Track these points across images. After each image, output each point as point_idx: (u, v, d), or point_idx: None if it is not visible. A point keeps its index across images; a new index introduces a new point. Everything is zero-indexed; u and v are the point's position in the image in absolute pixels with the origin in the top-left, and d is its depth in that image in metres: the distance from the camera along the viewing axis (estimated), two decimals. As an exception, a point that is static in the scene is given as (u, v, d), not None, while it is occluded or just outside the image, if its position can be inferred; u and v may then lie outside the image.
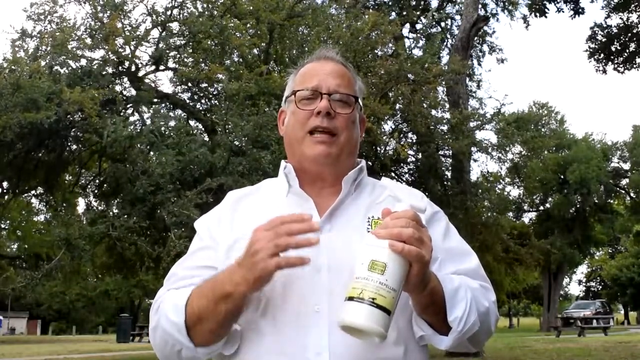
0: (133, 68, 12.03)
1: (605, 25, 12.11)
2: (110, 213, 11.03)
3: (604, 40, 12.19)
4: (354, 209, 1.34)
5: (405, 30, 17.83)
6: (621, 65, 12.08)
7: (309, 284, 1.23)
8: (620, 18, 12.03)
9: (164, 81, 29.60)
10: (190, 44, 11.88)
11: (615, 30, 12.02)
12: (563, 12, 11.88)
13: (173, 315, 1.23)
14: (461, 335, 1.20)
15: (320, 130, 1.33)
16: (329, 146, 1.33)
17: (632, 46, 12.20)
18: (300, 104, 1.37)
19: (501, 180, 18.24)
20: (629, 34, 12.04)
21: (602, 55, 12.23)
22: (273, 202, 1.38)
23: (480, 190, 16.13)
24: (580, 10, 11.68)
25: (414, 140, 15.06)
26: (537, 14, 11.98)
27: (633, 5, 11.71)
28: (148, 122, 11.55)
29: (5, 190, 13.74)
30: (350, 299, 1.07)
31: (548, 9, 11.96)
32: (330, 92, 1.35)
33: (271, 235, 1.14)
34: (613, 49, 12.13)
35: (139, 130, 11.31)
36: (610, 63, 12.20)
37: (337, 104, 1.36)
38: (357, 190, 1.38)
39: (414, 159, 15.68)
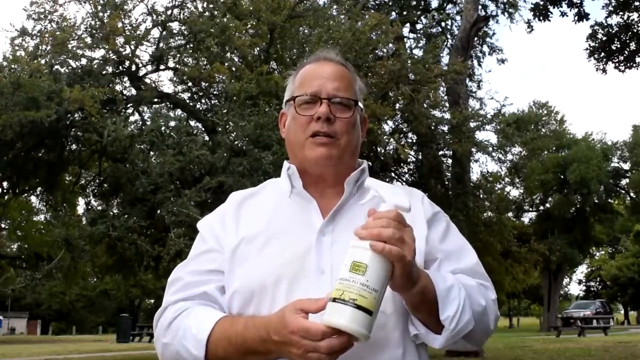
0: (133, 68, 12.02)
1: (605, 24, 12.07)
2: (110, 213, 11.02)
3: (604, 39, 12.15)
4: (356, 210, 1.34)
5: (406, 31, 17.86)
6: (622, 64, 12.05)
7: (314, 285, 1.23)
8: (621, 17, 11.99)
9: (165, 81, 29.60)
10: (191, 44, 11.88)
11: (615, 28, 11.99)
12: (567, 16, 11.80)
13: (193, 348, 1.23)
14: (454, 334, 1.20)
15: (321, 135, 1.34)
16: (330, 148, 1.33)
17: (633, 45, 12.17)
18: (300, 109, 1.37)
19: (501, 181, 18.27)
20: (629, 33, 12.01)
21: (602, 54, 12.18)
22: (276, 202, 1.38)
23: (481, 190, 16.15)
24: (584, 14, 11.62)
25: (415, 141, 15.07)
26: (541, 18, 11.90)
27: (633, 5, 11.70)
28: (149, 122, 11.55)
29: (5, 190, 13.73)
30: (333, 300, 1.08)
31: (552, 13, 11.88)
32: (329, 97, 1.35)
33: (311, 347, 1.10)
34: (613, 48, 12.09)
35: (139, 130, 11.31)
36: (610, 62, 12.16)
37: (337, 108, 1.35)
38: (359, 192, 1.38)
39: (414, 159, 15.69)
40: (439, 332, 1.21)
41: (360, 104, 1.41)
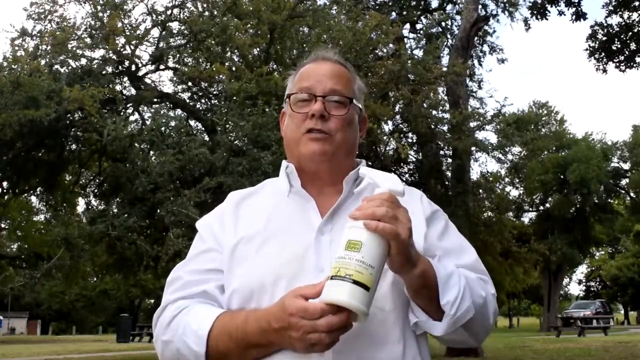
0: (133, 67, 12.03)
1: (605, 24, 12.06)
2: (110, 212, 11.02)
3: (604, 39, 12.14)
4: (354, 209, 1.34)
5: (406, 31, 17.86)
6: (622, 64, 12.04)
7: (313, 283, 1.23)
8: (621, 17, 11.98)
9: (165, 81, 29.59)
10: (191, 43, 11.88)
11: (616, 28, 11.98)
12: (564, 15, 11.80)
13: (194, 344, 1.23)
14: (455, 320, 1.20)
15: (316, 132, 1.34)
16: (323, 144, 1.34)
17: (633, 45, 12.16)
18: (296, 106, 1.38)
19: (501, 181, 18.30)
20: (630, 33, 12.00)
21: (602, 54, 12.17)
22: (275, 202, 1.39)
23: (481, 190, 16.17)
24: (581, 14, 11.61)
25: (415, 140, 15.09)
26: (538, 17, 11.90)
27: (633, 5, 11.69)
28: (149, 122, 11.55)
29: (5, 190, 13.74)
30: (331, 278, 1.09)
31: (549, 12, 11.88)
32: (324, 94, 1.36)
33: (310, 328, 1.11)
34: (614, 48, 12.08)
35: (139, 130, 11.31)
36: (610, 62, 12.15)
37: (331, 106, 1.36)
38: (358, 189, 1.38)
39: (414, 159, 15.70)
40: (440, 319, 1.22)
41: (356, 102, 1.42)
